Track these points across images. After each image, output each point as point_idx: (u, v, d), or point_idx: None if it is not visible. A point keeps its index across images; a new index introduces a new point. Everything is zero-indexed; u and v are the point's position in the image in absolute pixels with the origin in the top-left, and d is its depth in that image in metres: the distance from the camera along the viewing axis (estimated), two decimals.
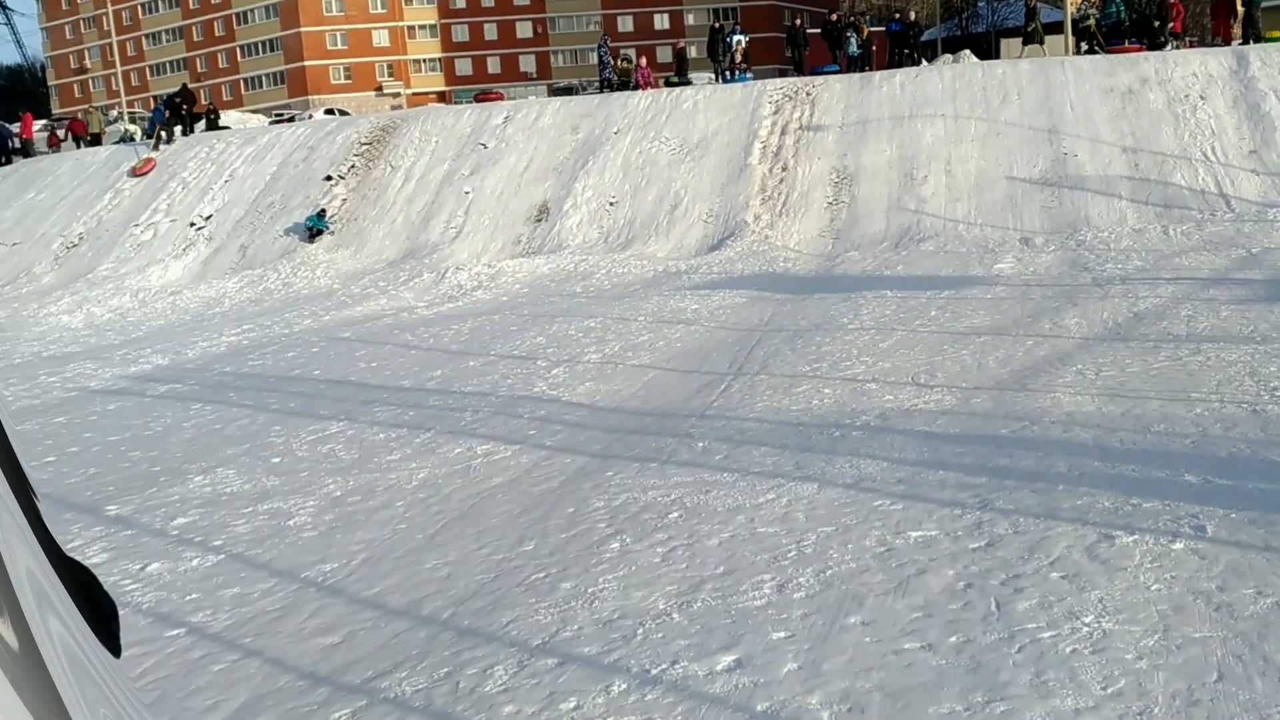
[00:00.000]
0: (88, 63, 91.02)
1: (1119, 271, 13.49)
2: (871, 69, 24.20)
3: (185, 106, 28.04)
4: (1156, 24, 24.03)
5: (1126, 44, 22.82)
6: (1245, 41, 21.85)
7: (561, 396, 9.24)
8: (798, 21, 27.75)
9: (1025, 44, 25.72)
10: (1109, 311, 10.88)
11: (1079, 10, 24.40)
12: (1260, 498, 5.26)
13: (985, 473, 6.02)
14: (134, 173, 25.78)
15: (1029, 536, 5.01)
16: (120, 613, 1.22)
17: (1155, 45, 22.90)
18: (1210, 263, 13.44)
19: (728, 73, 26.17)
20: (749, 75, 26.17)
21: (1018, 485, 5.74)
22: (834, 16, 26.40)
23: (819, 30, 28.16)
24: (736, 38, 26.86)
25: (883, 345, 10.10)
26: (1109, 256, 14.70)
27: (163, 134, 27.06)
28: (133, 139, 30.36)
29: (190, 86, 31.25)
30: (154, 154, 26.40)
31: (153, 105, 62.95)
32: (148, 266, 21.52)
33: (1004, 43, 35.27)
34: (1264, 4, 24.11)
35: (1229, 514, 5.04)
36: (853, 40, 24.91)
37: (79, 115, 36.44)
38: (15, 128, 34.58)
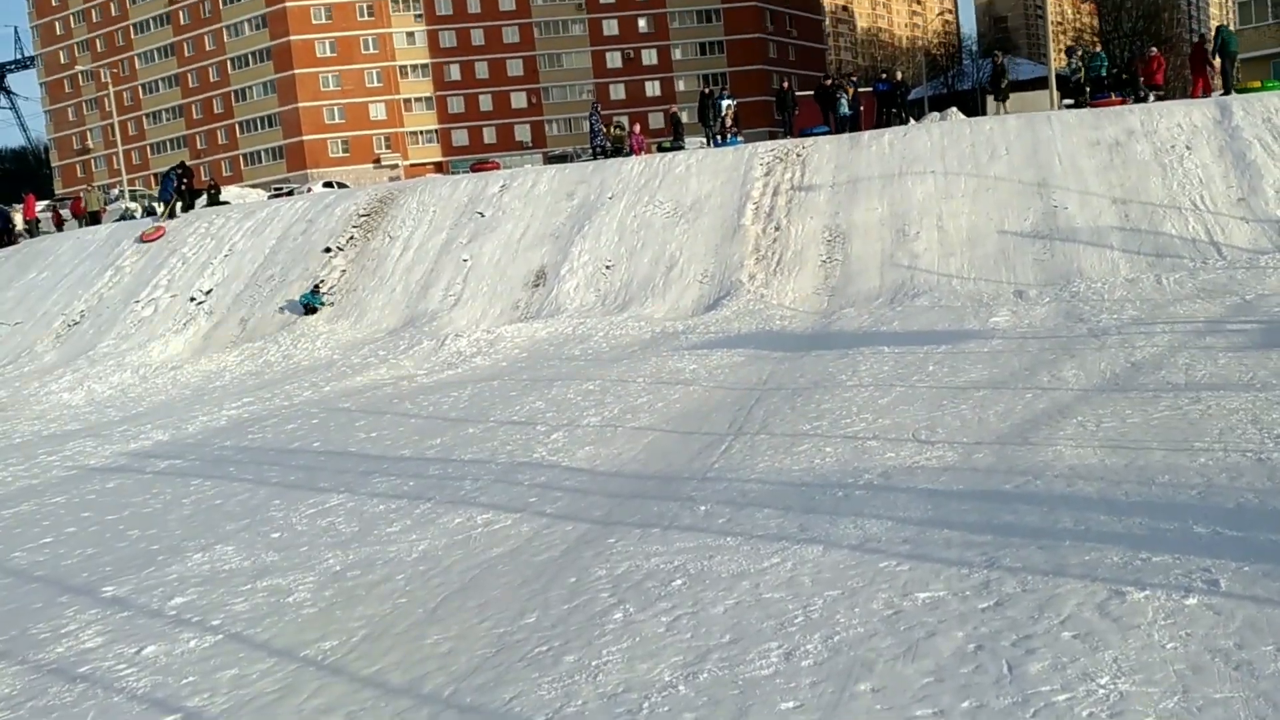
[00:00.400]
0: (90, 143, 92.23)
1: (1114, 321, 13.51)
2: (860, 129, 24.51)
3: (185, 182, 28.47)
4: (1127, 77, 24.49)
5: (1112, 96, 23.15)
6: (1226, 92, 22.16)
7: (561, 462, 9.19)
8: (785, 85, 28.18)
9: (996, 100, 26.16)
10: (1106, 362, 10.87)
11: (1069, 66, 24.81)
12: (1272, 549, 5.19)
13: (991, 530, 5.96)
14: (144, 239, 26.20)
15: (1038, 595, 4.94)
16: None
17: (1138, 98, 23.25)
18: (1205, 310, 13.47)
19: (718, 136, 26.50)
20: (739, 138, 26.50)
21: (1024, 542, 5.67)
22: (828, 81, 26.82)
23: (810, 93, 28.61)
24: (726, 102, 27.26)
25: (882, 402, 10.08)
26: (1104, 307, 14.74)
27: (178, 204, 27.69)
28: (133, 216, 30.74)
29: (189, 163, 31.65)
30: (164, 222, 26.85)
31: (155, 182, 63.64)
32: (149, 342, 21.57)
33: (990, 99, 35.75)
34: (1242, 55, 24.53)
35: (1241, 566, 4.97)
36: (843, 100, 25.28)
37: (79, 194, 36.88)
38: (18, 209, 34.96)
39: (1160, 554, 5.25)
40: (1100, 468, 6.98)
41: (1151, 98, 23.31)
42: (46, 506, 9.60)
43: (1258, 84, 25.23)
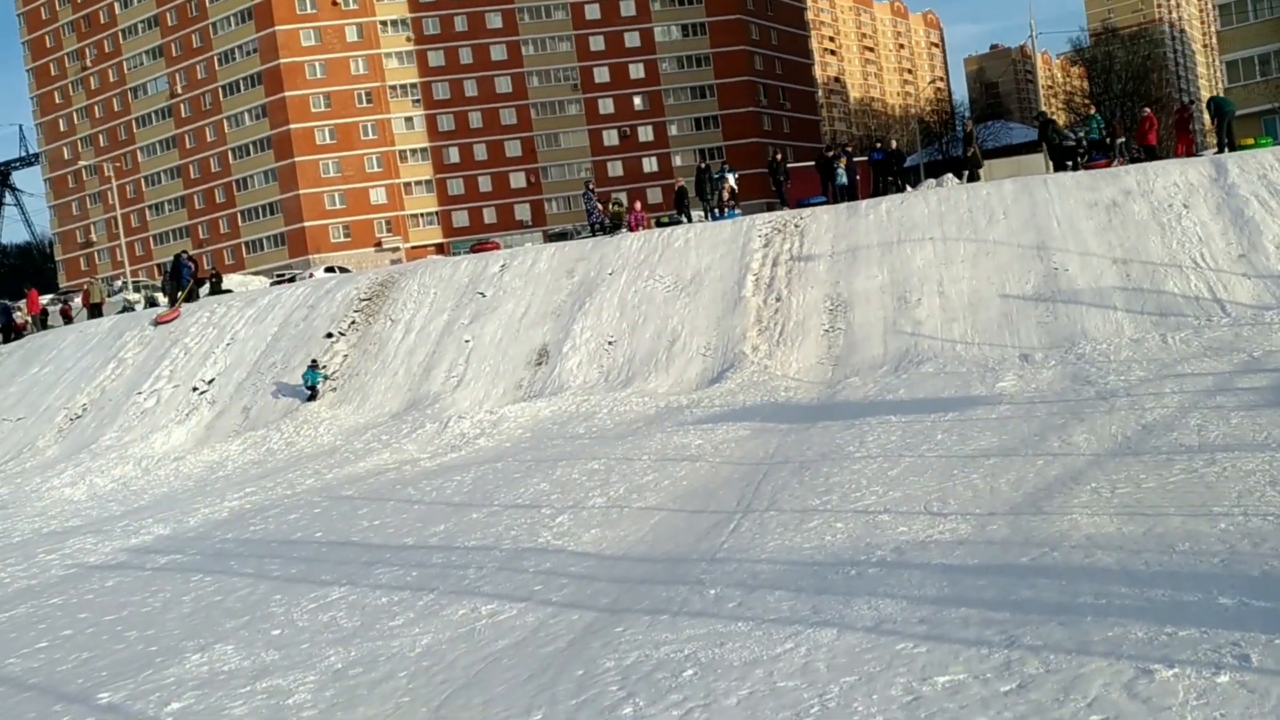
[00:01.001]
0: (93, 236, 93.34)
1: (1122, 383, 13.39)
2: (857, 198, 24.69)
3: (192, 268, 29.13)
4: (1109, 140, 24.77)
5: (1110, 159, 23.37)
6: (1221, 150, 22.34)
7: (567, 546, 9.02)
8: (778, 156, 28.45)
9: (964, 168, 26.23)
10: (1117, 425, 10.73)
11: (1068, 130, 25.14)
12: None
13: (1009, 607, 5.78)
14: (159, 321, 26.49)
15: (1062, 675, 4.76)
16: None
17: (1132, 159, 23.48)
18: (1213, 369, 13.35)
19: (716, 210, 26.70)
20: (738, 211, 26.70)
21: (1044, 618, 5.49)
22: (829, 152, 27.10)
23: (804, 164, 28.89)
24: (731, 176, 27.57)
25: (891, 473, 9.92)
26: (1110, 368, 14.62)
27: (196, 290, 28.24)
28: (133, 308, 31.05)
29: (191, 253, 32.02)
30: (179, 306, 27.19)
31: (158, 273, 64.22)
32: (151, 433, 21.48)
33: (986, 164, 36.11)
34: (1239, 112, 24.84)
35: (1273, 639, 4.79)
36: (841, 170, 25.49)
37: (86, 287, 37.21)
38: (21, 304, 35.17)
39: (1186, 627, 5.07)
40: (1118, 536, 6.81)
41: (1131, 157, 23.62)
42: (44, 609, 9.42)
43: (1250, 141, 25.50)
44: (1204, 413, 10.60)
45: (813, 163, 28.62)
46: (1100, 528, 7.07)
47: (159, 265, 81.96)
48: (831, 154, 26.85)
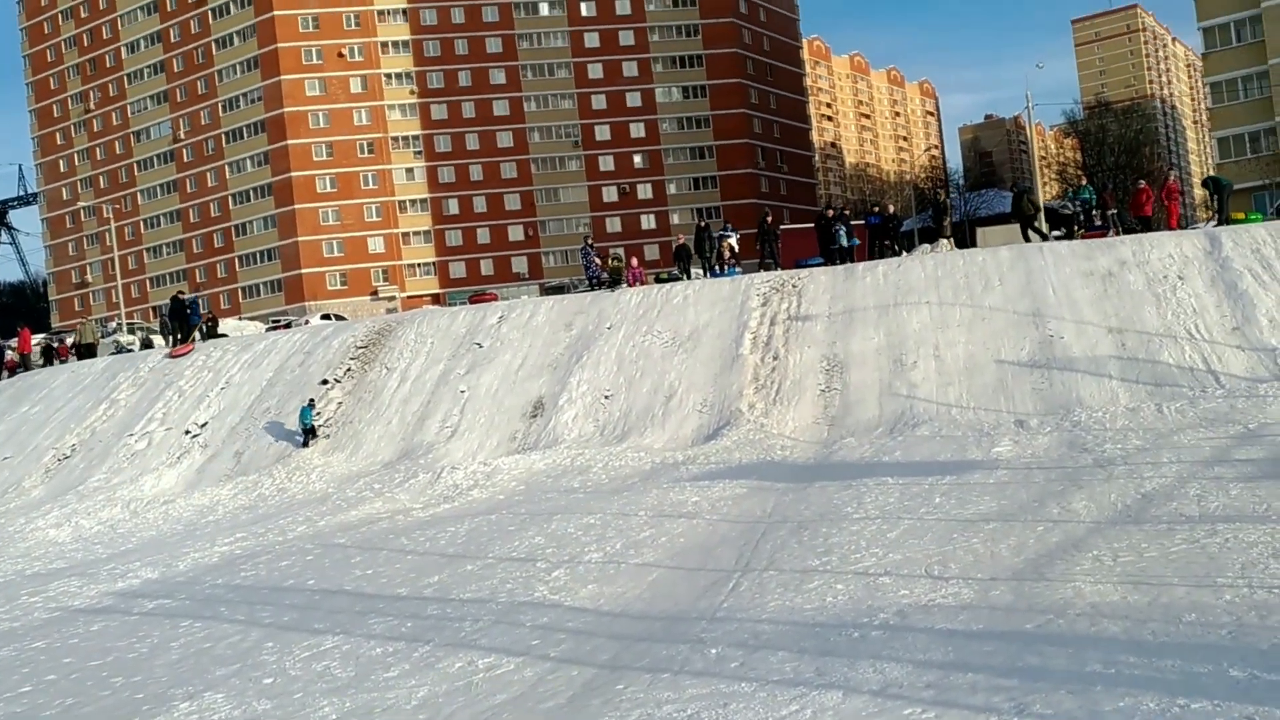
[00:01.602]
0: (89, 277, 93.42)
1: (1119, 451, 13.39)
2: (854, 260, 24.87)
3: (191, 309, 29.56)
4: (1097, 210, 25.09)
5: (1104, 229, 23.66)
6: (1219, 224, 22.63)
7: (564, 601, 8.92)
8: (769, 219, 28.62)
9: (935, 239, 26.34)
10: (1116, 493, 10.71)
11: (1063, 200, 25.48)
12: None
13: (1016, 673, 5.72)
14: (172, 354, 26.84)
15: None
16: None
17: (1127, 229, 23.78)
18: (1210, 440, 13.37)
19: (716, 267, 26.85)
20: (738, 270, 26.85)
21: (1053, 686, 5.43)
22: (829, 212, 27.32)
23: (803, 225, 29.08)
24: (732, 237, 27.76)
25: (891, 535, 9.87)
26: (1106, 436, 14.64)
27: (204, 326, 28.79)
28: (124, 349, 31.15)
29: (184, 297, 32.12)
30: (192, 341, 27.72)
31: (153, 315, 64.21)
32: (140, 476, 21.30)
33: (980, 231, 36.49)
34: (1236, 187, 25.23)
35: None
36: (842, 232, 25.67)
37: (78, 327, 37.22)
38: (12, 343, 35.05)
39: (1198, 699, 5.02)
40: (1123, 605, 6.77)
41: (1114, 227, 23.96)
42: (26, 652, 9.25)
43: (1241, 215, 25.81)
44: (1203, 483, 10.60)
45: (807, 224, 28.84)
46: (1105, 596, 7.02)
47: (153, 308, 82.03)
48: (831, 214, 27.07)
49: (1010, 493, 11.51)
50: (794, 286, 22.82)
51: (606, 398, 20.68)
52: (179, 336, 28.68)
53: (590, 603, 8.75)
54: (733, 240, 27.68)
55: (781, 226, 28.80)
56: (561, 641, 7.62)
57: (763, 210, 38.17)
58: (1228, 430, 13.78)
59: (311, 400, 22.06)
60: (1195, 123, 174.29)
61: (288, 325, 41.63)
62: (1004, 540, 9.10)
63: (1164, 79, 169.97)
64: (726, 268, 26.62)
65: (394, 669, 7.35)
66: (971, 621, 6.85)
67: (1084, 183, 28.98)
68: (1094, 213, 25.40)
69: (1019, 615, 6.86)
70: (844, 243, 25.45)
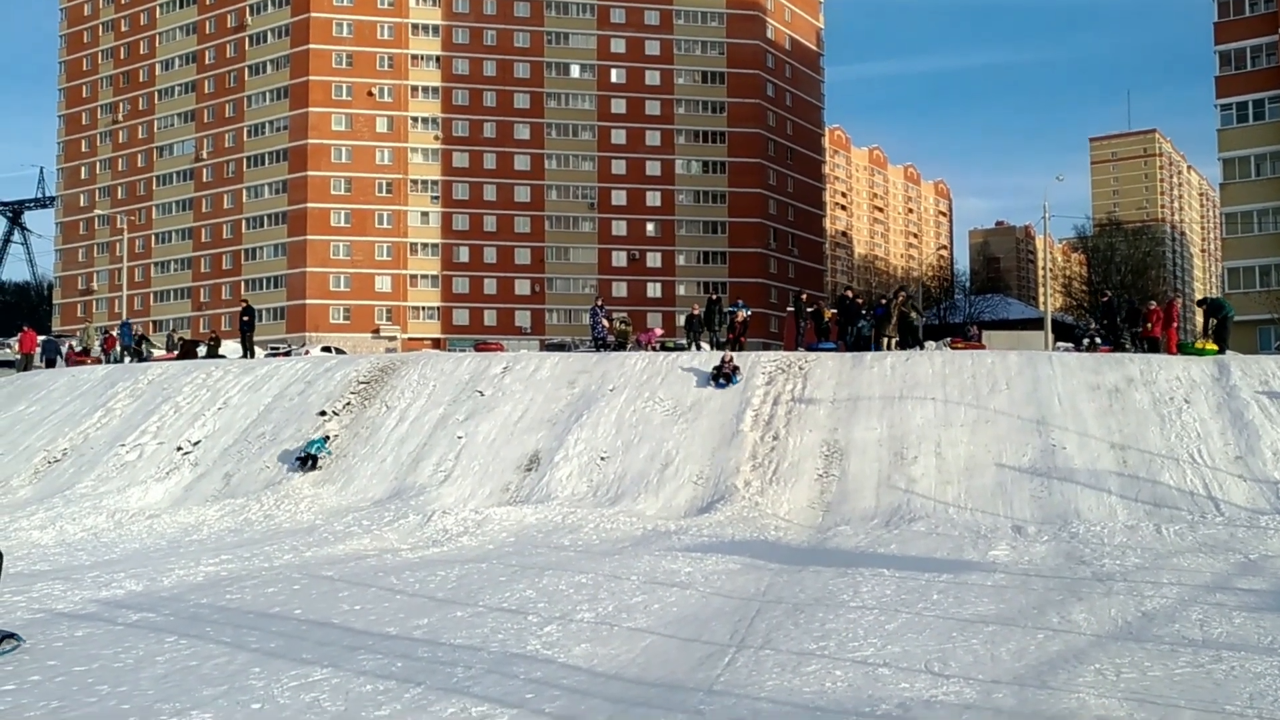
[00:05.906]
0: (95, 284, 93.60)
1: (1118, 567, 13.35)
2: (868, 349, 24.97)
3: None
4: (1105, 324, 25.29)
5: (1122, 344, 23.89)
6: (1221, 350, 22.83)
7: (557, 657, 8.81)
8: (804, 295, 28.86)
9: (896, 345, 25.73)
10: (1116, 609, 10.66)
11: (1087, 322, 25.81)
12: None
13: None
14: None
15: None
16: None
17: (1140, 349, 24.01)
18: (1210, 566, 13.34)
19: (724, 342, 26.98)
20: (738, 379, 25.67)
21: None
22: (849, 292, 27.51)
23: (833, 308, 29.08)
24: (744, 313, 27.95)
25: (889, 627, 9.80)
26: (1104, 551, 14.60)
27: (134, 348, 29.28)
28: (148, 356, 31.51)
29: (181, 334, 32.66)
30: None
31: (154, 329, 64.28)
32: (128, 487, 21.12)
33: (985, 334, 36.81)
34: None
35: None
36: (865, 321, 25.72)
37: (110, 334, 37.25)
38: (12, 341, 35.03)
39: None
40: None
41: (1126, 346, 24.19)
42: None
43: (1202, 345, 24.73)
44: (1205, 608, 10.55)
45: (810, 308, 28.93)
46: (1110, 711, 6.96)
47: (154, 322, 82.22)
48: (854, 296, 27.19)
49: (1009, 597, 11.44)
50: (800, 369, 22.92)
51: (603, 459, 20.62)
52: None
53: (584, 662, 8.65)
54: (744, 314, 27.84)
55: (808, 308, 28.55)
56: (557, 698, 7.52)
57: (797, 290, 38.42)
58: (1228, 558, 13.76)
59: (327, 437, 22.00)
60: (1204, 251, 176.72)
61: (287, 353, 41.67)
62: (1004, 644, 9.04)
63: (1176, 204, 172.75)
64: (729, 378, 24.68)
65: (385, 708, 7.23)
66: None
67: (1106, 298, 28.82)
68: (1103, 323, 25.60)
69: None
70: (865, 332, 25.54)
